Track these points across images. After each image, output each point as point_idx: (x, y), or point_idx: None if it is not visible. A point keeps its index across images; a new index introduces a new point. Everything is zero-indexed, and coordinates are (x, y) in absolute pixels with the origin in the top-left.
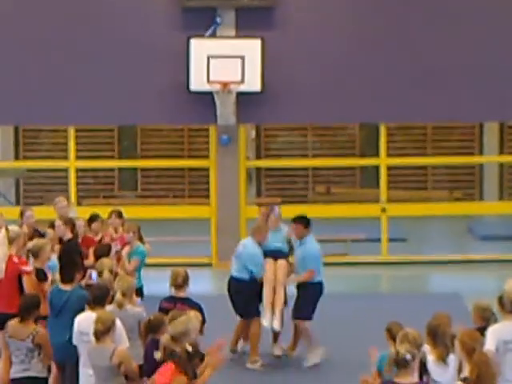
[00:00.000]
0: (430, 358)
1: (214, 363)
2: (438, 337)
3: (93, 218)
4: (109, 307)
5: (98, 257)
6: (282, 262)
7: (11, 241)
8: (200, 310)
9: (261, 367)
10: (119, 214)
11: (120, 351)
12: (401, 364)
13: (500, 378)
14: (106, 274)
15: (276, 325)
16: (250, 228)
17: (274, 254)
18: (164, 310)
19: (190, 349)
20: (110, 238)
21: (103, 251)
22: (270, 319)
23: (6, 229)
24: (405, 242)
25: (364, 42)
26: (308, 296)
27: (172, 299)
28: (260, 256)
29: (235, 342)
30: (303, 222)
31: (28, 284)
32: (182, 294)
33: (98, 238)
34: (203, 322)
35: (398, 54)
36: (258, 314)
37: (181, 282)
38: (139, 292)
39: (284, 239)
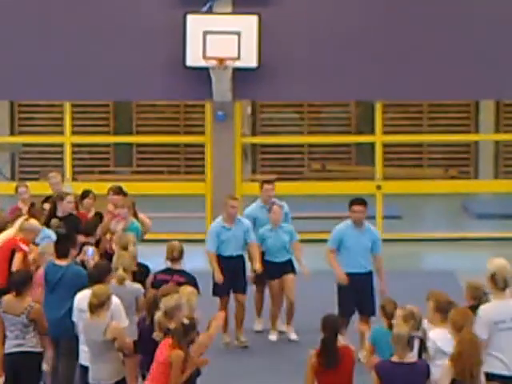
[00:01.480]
0: (439, 333)
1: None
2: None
3: (85, 195)
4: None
5: (86, 234)
6: (289, 278)
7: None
8: (195, 282)
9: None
10: (118, 191)
11: (114, 326)
12: (402, 343)
13: (491, 357)
14: (132, 249)
15: (294, 336)
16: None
17: (280, 269)
18: (160, 282)
19: (186, 321)
20: (110, 215)
21: (90, 227)
22: (277, 334)
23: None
24: (400, 219)
25: (361, 18)
26: None
27: (169, 271)
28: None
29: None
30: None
31: (17, 261)
32: (178, 267)
33: (90, 215)
34: (199, 293)
35: (395, 31)
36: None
37: (176, 255)
38: None
39: (288, 233)
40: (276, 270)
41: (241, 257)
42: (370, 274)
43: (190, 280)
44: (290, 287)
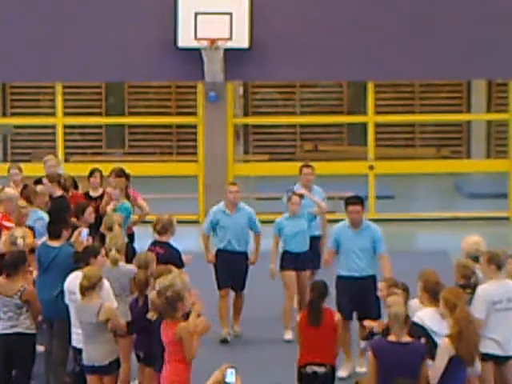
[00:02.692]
0: (427, 312)
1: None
2: (437, 294)
3: (91, 173)
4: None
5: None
6: (305, 275)
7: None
8: (177, 255)
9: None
10: (118, 173)
11: (107, 307)
12: (399, 322)
13: (485, 337)
14: (117, 229)
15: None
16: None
17: (297, 261)
18: None
19: (168, 294)
20: (108, 197)
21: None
22: (291, 334)
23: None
24: (392, 199)
25: None
26: None
27: (153, 243)
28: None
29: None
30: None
31: (6, 242)
32: (163, 239)
33: (98, 194)
34: (181, 266)
35: (386, 12)
36: None
37: (160, 228)
38: None
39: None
40: (292, 260)
41: (243, 254)
42: (369, 278)
43: (171, 252)
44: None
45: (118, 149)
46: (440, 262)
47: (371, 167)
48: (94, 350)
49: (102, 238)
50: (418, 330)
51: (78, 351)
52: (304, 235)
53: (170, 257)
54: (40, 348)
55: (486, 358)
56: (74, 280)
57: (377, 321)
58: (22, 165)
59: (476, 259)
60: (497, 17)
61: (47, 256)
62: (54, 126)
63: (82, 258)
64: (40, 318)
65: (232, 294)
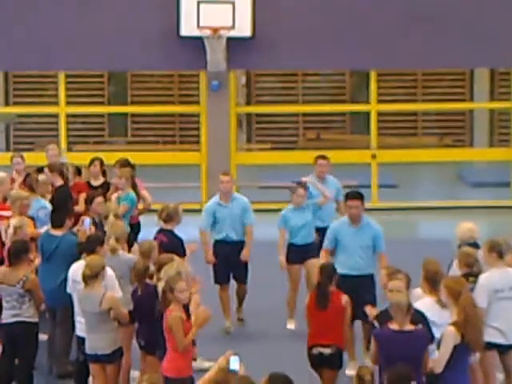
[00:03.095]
0: (426, 302)
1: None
2: (437, 283)
3: (92, 162)
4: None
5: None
6: (313, 263)
7: None
8: (180, 243)
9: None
10: (123, 163)
11: (109, 296)
12: (402, 311)
13: (488, 326)
14: (112, 218)
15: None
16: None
17: (303, 254)
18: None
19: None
20: (114, 188)
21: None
22: (294, 323)
23: None
24: (395, 188)
25: None
26: None
27: (158, 231)
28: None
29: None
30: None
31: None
32: (168, 227)
33: (98, 183)
34: (184, 255)
35: (389, 0)
36: None
37: (165, 217)
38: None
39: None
40: (298, 253)
41: (242, 243)
42: (367, 276)
43: (174, 240)
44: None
45: (121, 138)
46: (442, 250)
47: (374, 156)
48: (97, 338)
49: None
50: (419, 318)
51: (82, 340)
52: (309, 227)
53: (172, 245)
54: (43, 336)
55: (488, 346)
56: (78, 269)
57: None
58: (24, 154)
59: (473, 246)
60: (499, 5)
61: (50, 245)
62: (56, 115)
63: (87, 247)
64: (43, 306)
65: (234, 284)
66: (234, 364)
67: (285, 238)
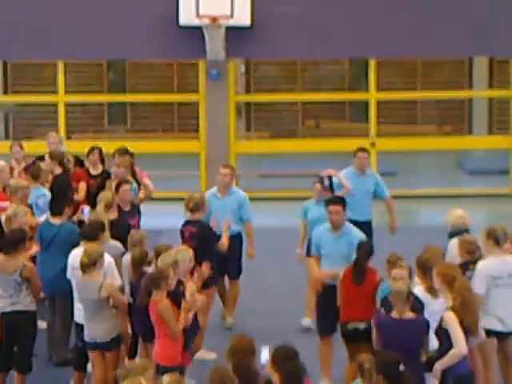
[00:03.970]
0: (421, 289)
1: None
2: (427, 270)
3: (90, 150)
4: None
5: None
6: (312, 261)
7: None
8: (208, 230)
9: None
10: (122, 152)
11: (108, 284)
12: (402, 299)
13: (487, 313)
14: (100, 207)
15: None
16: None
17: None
18: (181, 234)
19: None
20: (115, 176)
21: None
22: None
23: None
24: (394, 176)
25: None
26: None
27: (186, 223)
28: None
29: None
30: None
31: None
32: (196, 217)
33: (97, 171)
34: (216, 241)
35: None
36: None
37: (192, 206)
38: None
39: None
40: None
41: (237, 236)
42: None
43: (202, 229)
44: None
45: (120, 126)
46: (442, 238)
47: (373, 144)
48: (96, 326)
49: None
50: (416, 305)
51: (81, 327)
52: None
53: (203, 234)
54: (42, 324)
55: (488, 334)
56: (77, 255)
57: None
58: (23, 143)
59: (466, 233)
60: None
61: (49, 233)
62: (55, 104)
63: (90, 233)
64: (42, 294)
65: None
66: (264, 356)
67: (306, 230)
